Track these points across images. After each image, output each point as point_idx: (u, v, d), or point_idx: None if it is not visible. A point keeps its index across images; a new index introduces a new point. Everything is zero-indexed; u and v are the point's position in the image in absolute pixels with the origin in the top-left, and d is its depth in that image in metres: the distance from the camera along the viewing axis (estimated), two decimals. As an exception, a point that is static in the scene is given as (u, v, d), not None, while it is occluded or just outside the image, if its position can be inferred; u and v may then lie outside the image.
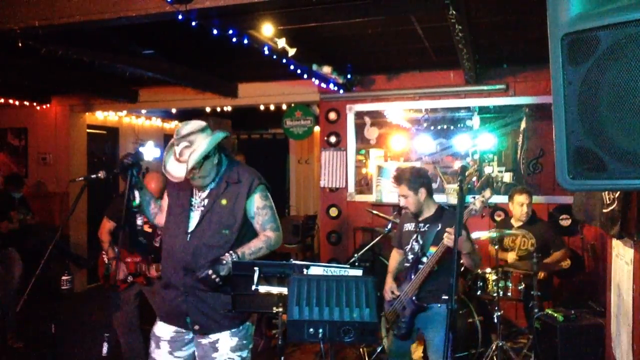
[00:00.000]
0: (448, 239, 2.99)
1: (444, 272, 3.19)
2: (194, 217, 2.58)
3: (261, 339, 5.16)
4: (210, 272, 2.42)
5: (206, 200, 2.58)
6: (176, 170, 2.46)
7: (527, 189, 4.84)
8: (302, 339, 2.04)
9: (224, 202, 2.56)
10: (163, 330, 2.63)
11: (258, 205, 2.61)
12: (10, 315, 5.21)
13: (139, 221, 3.96)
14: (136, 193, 2.55)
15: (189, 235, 2.54)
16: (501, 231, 4.58)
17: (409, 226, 3.48)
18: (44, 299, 3.50)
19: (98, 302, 6.29)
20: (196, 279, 2.46)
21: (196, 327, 2.54)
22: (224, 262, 2.45)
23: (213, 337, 2.55)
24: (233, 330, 2.57)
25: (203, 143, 2.45)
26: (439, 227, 3.27)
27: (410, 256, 3.39)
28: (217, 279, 2.42)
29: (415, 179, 3.34)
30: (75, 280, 6.90)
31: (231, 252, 2.49)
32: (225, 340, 2.55)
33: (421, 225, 3.40)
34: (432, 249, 3.24)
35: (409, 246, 3.42)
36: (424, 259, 3.26)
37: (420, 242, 3.35)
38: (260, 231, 2.64)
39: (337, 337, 2.02)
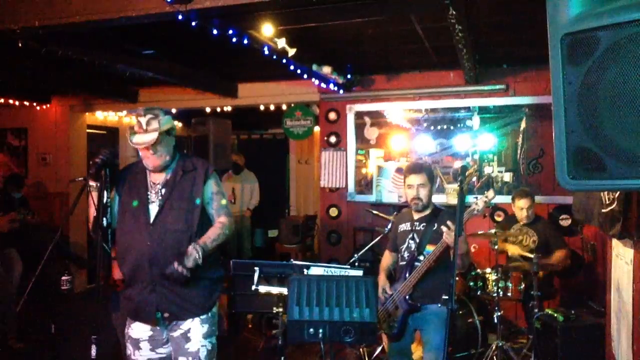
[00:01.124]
0: (447, 235, 2.99)
1: (440, 271, 3.18)
2: (153, 209, 2.62)
3: (261, 339, 5.16)
4: (176, 265, 2.44)
5: (163, 190, 2.64)
6: (144, 138, 2.53)
7: (528, 192, 4.84)
8: (302, 339, 2.05)
9: (182, 190, 2.65)
10: (139, 331, 2.65)
11: (213, 190, 2.71)
12: (10, 315, 5.21)
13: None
14: (105, 193, 2.54)
15: (151, 226, 2.57)
16: (504, 233, 4.59)
17: (405, 226, 3.47)
18: (44, 299, 3.50)
19: (98, 302, 6.28)
20: (163, 275, 2.49)
21: (166, 315, 2.56)
22: (189, 254, 2.49)
23: (184, 326, 2.60)
24: (202, 317, 2.63)
25: (166, 116, 2.61)
26: (435, 227, 3.27)
27: (406, 254, 3.37)
28: (185, 272, 2.46)
29: (433, 173, 3.43)
30: (75, 280, 6.90)
31: (193, 244, 2.53)
32: (197, 329, 2.61)
33: (417, 224, 3.40)
34: (429, 248, 3.23)
35: (404, 245, 3.41)
36: (420, 258, 3.26)
37: (417, 240, 3.34)
38: (215, 216, 2.71)
39: (337, 337, 2.03)
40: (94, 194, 2.58)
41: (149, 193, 2.66)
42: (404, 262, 3.37)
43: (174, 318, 2.59)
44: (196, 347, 2.60)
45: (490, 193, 3.10)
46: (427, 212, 3.41)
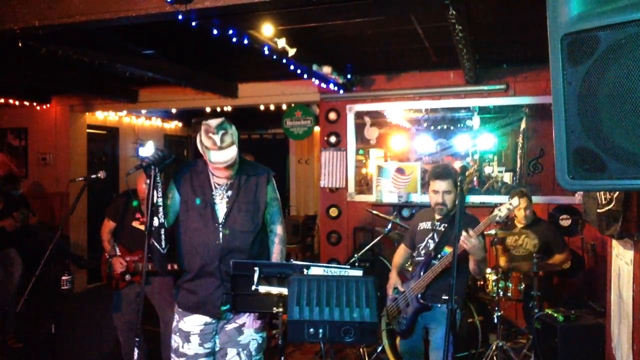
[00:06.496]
0: (466, 241, 2.95)
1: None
2: (220, 209, 2.71)
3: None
4: None
5: (230, 192, 2.74)
6: (224, 156, 2.59)
7: (524, 192, 4.80)
8: (302, 339, 2.05)
9: (247, 193, 2.76)
10: (191, 324, 2.73)
11: (272, 196, 2.85)
12: (10, 315, 5.21)
13: (135, 222, 3.97)
14: (155, 193, 2.57)
15: (221, 226, 2.67)
16: (506, 233, 4.58)
17: (425, 225, 3.44)
18: (44, 299, 3.50)
19: (98, 302, 6.29)
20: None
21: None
22: None
23: (240, 321, 2.73)
24: (257, 313, 2.74)
25: (233, 128, 2.67)
26: None
27: (423, 253, 3.36)
28: None
29: (456, 176, 3.30)
30: (75, 280, 6.90)
31: None
32: (250, 324, 2.74)
33: (437, 224, 3.37)
34: (447, 249, 3.22)
35: (423, 244, 3.38)
36: (438, 257, 3.24)
37: (436, 240, 3.31)
38: (269, 221, 2.85)
39: (337, 337, 2.03)
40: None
41: (213, 193, 2.73)
42: (420, 259, 3.35)
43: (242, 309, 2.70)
44: (247, 340, 2.74)
45: (515, 200, 3.10)
46: (450, 212, 3.36)
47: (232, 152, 2.59)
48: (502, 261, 4.69)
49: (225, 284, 2.65)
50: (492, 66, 5.73)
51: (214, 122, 2.61)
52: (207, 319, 2.72)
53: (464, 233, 2.97)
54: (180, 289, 2.78)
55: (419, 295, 3.24)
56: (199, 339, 2.72)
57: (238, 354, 2.72)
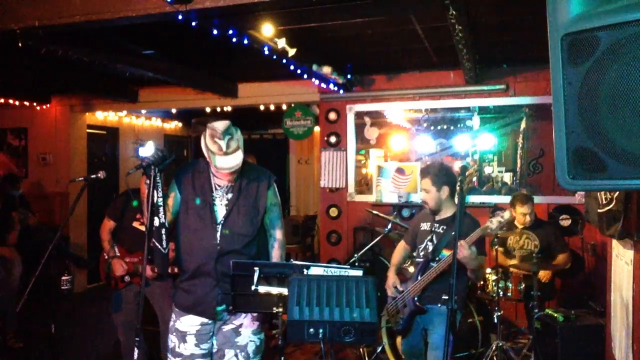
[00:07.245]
0: (461, 251, 2.93)
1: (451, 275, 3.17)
2: (219, 211, 2.70)
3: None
4: None
5: (230, 194, 2.72)
6: (229, 162, 2.57)
7: (529, 197, 4.77)
8: (302, 339, 2.05)
9: (248, 196, 2.75)
10: (188, 324, 2.72)
11: (272, 201, 2.82)
12: (10, 315, 5.21)
13: (136, 222, 3.97)
14: (155, 193, 2.57)
15: (219, 227, 2.66)
16: (506, 233, 4.58)
17: (425, 225, 3.43)
18: (44, 299, 3.50)
19: (98, 302, 6.29)
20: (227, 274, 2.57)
21: (230, 307, 2.65)
22: None
23: (237, 322, 2.72)
24: (255, 314, 2.73)
25: (239, 133, 2.65)
26: (454, 232, 3.23)
27: (422, 254, 3.36)
28: None
29: (441, 175, 3.30)
30: (75, 280, 6.90)
31: None
32: (248, 325, 2.73)
33: (437, 225, 3.35)
34: (445, 252, 3.21)
35: (422, 245, 3.38)
36: (436, 260, 3.24)
37: (435, 242, 3.30)
38: (269, 226, 2.84)
39: (337, 337, 2.03)
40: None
41: (214, 194, 2.72)
42: (420, 260, 3.36)
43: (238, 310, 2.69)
44: (245, 342, 2.72)
45: (506, 214, 3.13)
46: (449, 214, 3.33)
47: (237, 158, 2.57)
48: (513, 263, 4.68)
49: (221, 284, 2.64)
50: (492, 66, 5.73)
51: (220, 126, 2.58)
52: (204, 320, 2.71)
53: (460, 243, 2.92)
54: (177, 288, 2.78)
55: (415, 298, 3.24)
56: (195, 339, 2.70)
57: (236, 355, 2.71)
